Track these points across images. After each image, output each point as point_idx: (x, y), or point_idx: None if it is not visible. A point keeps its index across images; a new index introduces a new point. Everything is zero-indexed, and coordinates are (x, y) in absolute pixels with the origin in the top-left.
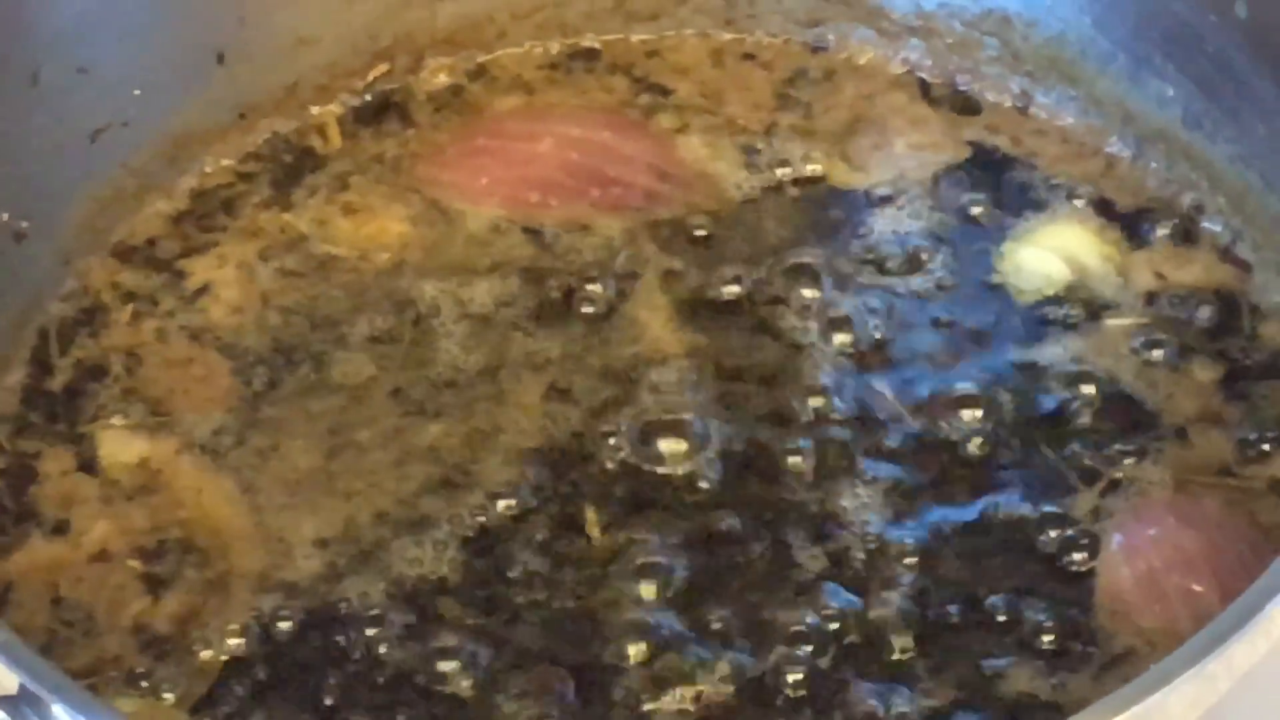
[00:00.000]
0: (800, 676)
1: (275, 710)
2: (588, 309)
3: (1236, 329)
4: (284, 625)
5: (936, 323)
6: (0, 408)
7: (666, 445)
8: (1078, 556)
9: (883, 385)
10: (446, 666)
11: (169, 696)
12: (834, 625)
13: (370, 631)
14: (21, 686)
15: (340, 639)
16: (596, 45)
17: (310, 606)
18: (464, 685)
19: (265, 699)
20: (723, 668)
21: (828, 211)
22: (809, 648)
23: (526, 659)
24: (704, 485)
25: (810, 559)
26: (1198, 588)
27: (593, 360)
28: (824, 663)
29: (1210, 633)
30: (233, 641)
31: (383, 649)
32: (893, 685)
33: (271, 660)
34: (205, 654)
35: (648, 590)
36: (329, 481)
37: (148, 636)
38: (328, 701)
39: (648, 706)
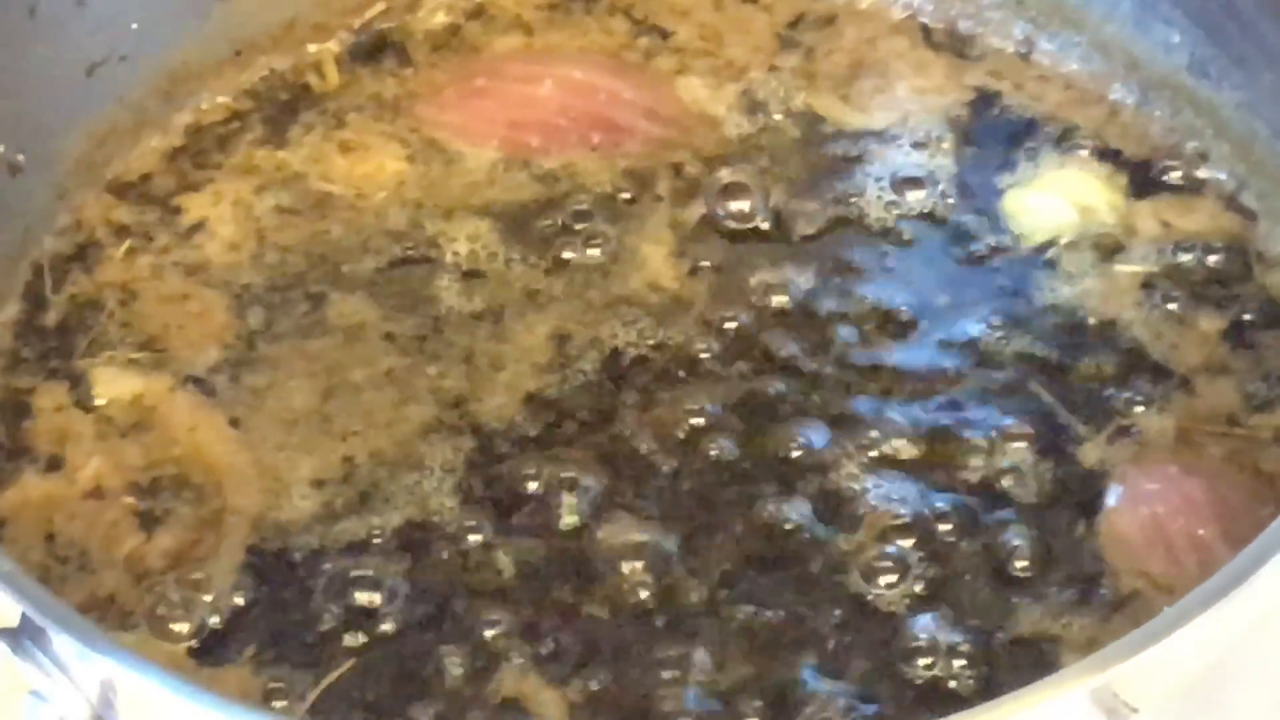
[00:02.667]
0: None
1: (270, 649)
2: (588, 249)
3: (1242, 278)
4: (279, 564)
5: (938, 266)
6: None
7: (670, 388)
8: (1081, 503)
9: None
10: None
11: (163, 633)
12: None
13: (367, 571)
14: (24, 618)
15: (337, 578)
16: None
17: (306, 546)
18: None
19: (260, 637)
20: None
21: (828, 155)
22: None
23: (525, 599)
24: (707, 422)
25: (808, 501)
26: (1202, 532)
27: (593, 300)
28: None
29: (1226, 574)
30: (227, 579)
31: (381, 588)
32: (902, 618)
33: (266, 598)
34: (199, 592)
35: (640, 541)
36: (325, 421)
37: (141, 573)
38: (323, 640)
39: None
